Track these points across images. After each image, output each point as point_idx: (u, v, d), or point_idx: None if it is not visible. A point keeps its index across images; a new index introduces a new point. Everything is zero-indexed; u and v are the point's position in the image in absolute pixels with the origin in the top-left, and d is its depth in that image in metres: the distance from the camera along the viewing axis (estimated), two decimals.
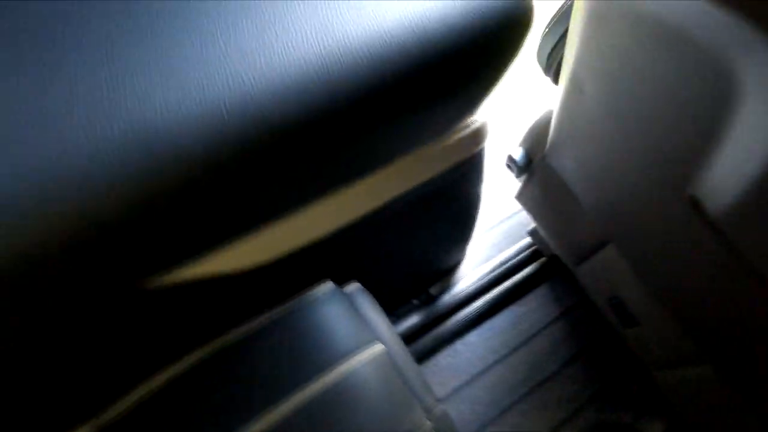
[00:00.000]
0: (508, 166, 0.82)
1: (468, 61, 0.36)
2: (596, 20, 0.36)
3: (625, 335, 0.82)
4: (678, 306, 0.60)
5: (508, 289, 0.99)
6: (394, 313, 0.98)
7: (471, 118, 0.53)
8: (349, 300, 0.61)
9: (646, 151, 0.44)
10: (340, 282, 0.65)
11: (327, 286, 0.59)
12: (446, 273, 1.03)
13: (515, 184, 0.93)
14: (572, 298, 0.98)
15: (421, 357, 0.94)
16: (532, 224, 1.04)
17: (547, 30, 0.59)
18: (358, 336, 0.56)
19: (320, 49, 0.31)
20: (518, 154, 0.79)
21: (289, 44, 0.30)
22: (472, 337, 0.95)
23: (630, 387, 0.89)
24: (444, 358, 0.94)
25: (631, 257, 0.65)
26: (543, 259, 1.01)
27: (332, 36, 0.32)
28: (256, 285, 0.56)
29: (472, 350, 0.94)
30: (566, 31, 0.56)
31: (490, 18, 0.35)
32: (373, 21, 0.33)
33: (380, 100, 0.33)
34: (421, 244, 0.84)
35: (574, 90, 0.51)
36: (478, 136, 0.59)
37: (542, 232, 0.89)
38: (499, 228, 1.07)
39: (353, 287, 0.64)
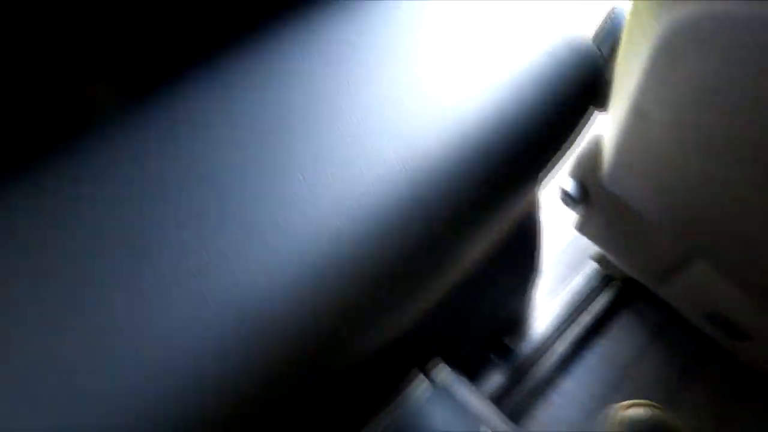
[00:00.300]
0: (563, 200, 0.78)
1: (550, 136, 0.34)
2: (676, 46, 0.33)
3: (736, 349, 0.75)
4: None
5: (589, 323, 0.93)
6: (475, 375, 0.92)
7: None
8: (445, 390, 0.57)
9: (747, 166, 0.40)
10: (419, 356, 0.61)
11: (421, 383, 0.55)
12: (517, 319, 0.98)
13: (564, 212, 0.88)
14: (660, 317, 0.91)
15: (517, 416, 0.87)
16: (594, 249, 0.99)
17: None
18: (468, 429, 0.52)
19: (405, 169, 0.29)
20: (570, 185, 0.76)
21: (374, 175, 0.28)
22: (566, 384, 0.88)
23: (757, 402, 0.80)
24: (541, 412, 0.87)
25: (730, 271, 0.60)
26: (616, 284, 0.95)
27: (414, 149, 0.29)
28: (345, 388, 0.52)
29: (569, 398, 0.87)
30: (613, 51, 0.53)
31: (566, 90, 0.32)
32: (449, 121, 0.30)
33: (470, 198, 0.31)
34: (489, 298, 0.79)
35: (637, 117, 0.48)
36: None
37: (612, 258, 0.84)
38: (559, 259, 1.02)
39: (442, 373, 0.60)
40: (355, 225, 0.28)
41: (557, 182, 0.78)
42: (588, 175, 0.72)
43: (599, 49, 0.50)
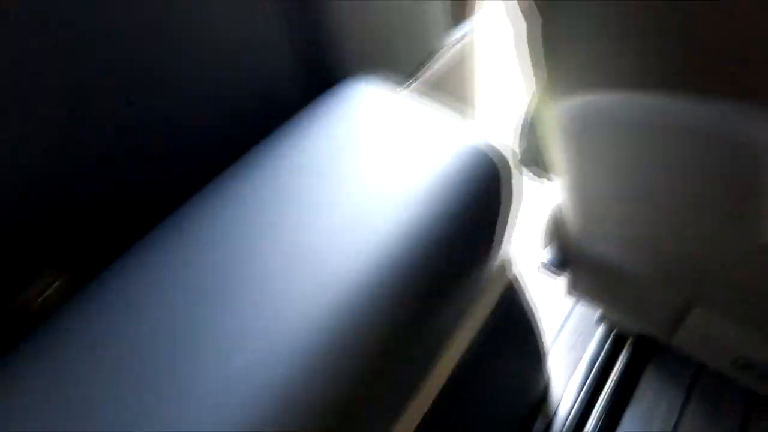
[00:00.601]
0: (545, 270, 0.77)
1: (473, 231, 0.34)
2: (576, 127, 0.35)
3: None
4: None
5: (614, 389, 0.87)
6: None
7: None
8: None
9: (693, 213, 0.40)
10: None
11: None
12: (540, 402, 0.91)
13: (552, 284, 0.86)
14: (688, 370, 0.85)
15: None
16: (597, 312, 0.96)
17: (520, 136, 0.59)
18: None
19: (341, 297, 0.29)
20: (547, 255, 0.75)
21: (311, 309, 0.28)
22: None
23: None
24: None
25: (731, 311, 0.57)
26: (630, 341, 0.90)
27: (343, 280, 0.30)
28: None
29: None
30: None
31: (476, 190, 0.34)
32: (374, 244, 0.32)
33: (412, 308, 0.31)
34: (503, 389, 0.75)
35: (577, 185, 0.49)
36: (506, 266, 0.56)
37: (612, 315, 0.80)
38: (565, 331, 0.98)
39: None
40: (303, 372, 0.28)
41: (535, 255, 0.77)
42: (561, 242, 0.72)
43: (527, 126, 0.51)
